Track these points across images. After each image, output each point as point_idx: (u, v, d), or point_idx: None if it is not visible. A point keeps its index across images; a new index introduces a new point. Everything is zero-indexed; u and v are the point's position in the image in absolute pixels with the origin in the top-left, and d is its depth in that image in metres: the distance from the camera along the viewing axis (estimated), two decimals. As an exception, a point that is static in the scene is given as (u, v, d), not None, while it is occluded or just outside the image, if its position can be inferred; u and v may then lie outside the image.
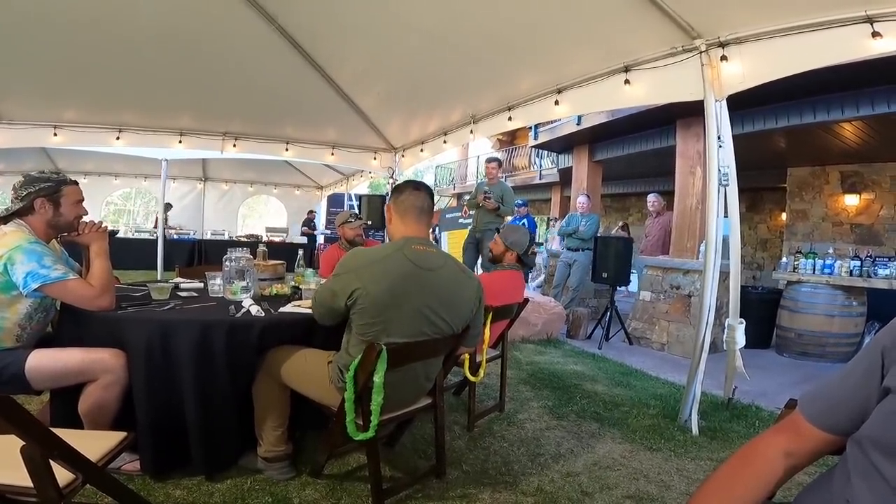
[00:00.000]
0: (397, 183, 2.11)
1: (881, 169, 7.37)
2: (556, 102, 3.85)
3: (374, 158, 6.61)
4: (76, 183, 2.09)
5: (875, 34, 2.23)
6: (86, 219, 2.10)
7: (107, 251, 2.05)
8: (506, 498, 2.07)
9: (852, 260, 5.02)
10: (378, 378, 1.71)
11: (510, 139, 17.46)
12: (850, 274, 4.89)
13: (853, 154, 7.22)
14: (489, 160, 6.17)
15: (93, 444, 1.39)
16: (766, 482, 0.84)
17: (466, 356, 2.53)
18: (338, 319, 1.87)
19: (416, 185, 1.99)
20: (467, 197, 6.22)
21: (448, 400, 3.07)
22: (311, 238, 11.36)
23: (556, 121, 8.66)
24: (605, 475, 2.30)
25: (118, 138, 5.62)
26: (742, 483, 0.84)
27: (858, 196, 7.57)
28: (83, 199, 2.09)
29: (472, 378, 2.57)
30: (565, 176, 11.34)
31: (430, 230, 2.04)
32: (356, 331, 1.81)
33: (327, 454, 2.07)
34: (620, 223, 10.11)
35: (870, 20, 2.23)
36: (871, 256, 5.15)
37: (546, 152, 12.67)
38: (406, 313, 1.79)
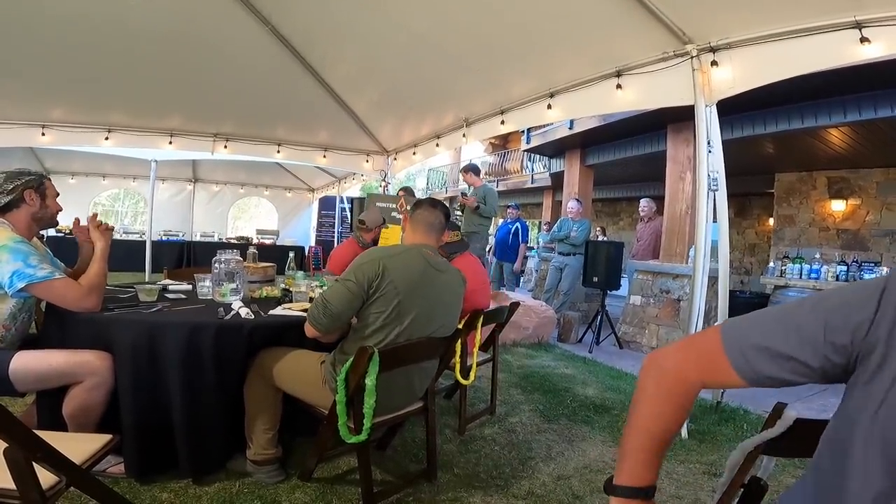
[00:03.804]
0: (418, 199, 2.32)
1: (868, 175, 7.48)
2: (549, 106, 3.87)
3: (367, 161, 6.61)
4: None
5: (864, 40, 2.27)
6: (94, 213, 2.15)
7: (107, 254, 2.06)
8: (497, 501, 2.06)
9: (839, 265, 5.09)
10: (370, 381, 1.70)
11: (503, 143, 17.51)
12: (837, 279, 4.95)
13: (840, 160, 7.31)
14: (462, 168, 6.11)
15: (77, 446, 1.37)
16: (685, 416, 0.88)
17: (458, 360, 2.53)
18: (344, 323, 1.88)
19: (432, 203, 2.15)
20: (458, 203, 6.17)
21: (439, 403, 3.06)
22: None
23: (548, 125, 8.71)
24: (595, 478, 2.30)
25: (107, 138, 5.57)
26: (673, 425, 0.87)
27: (845, 202, 7.67)
28: (58, 194, 2.12)
29: (462, 381, 2.56)
30: (557, 180, 11.40)
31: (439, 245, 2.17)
32: (365, 322, 1.83)
33: (317, 457, 2.05)
34: (599, 228, 10.37)
35: (858, 26, 2.27)
36: (857, 261, 5.23)
37: (538, 156, 12.73)
38: (418, 305, 1.87)
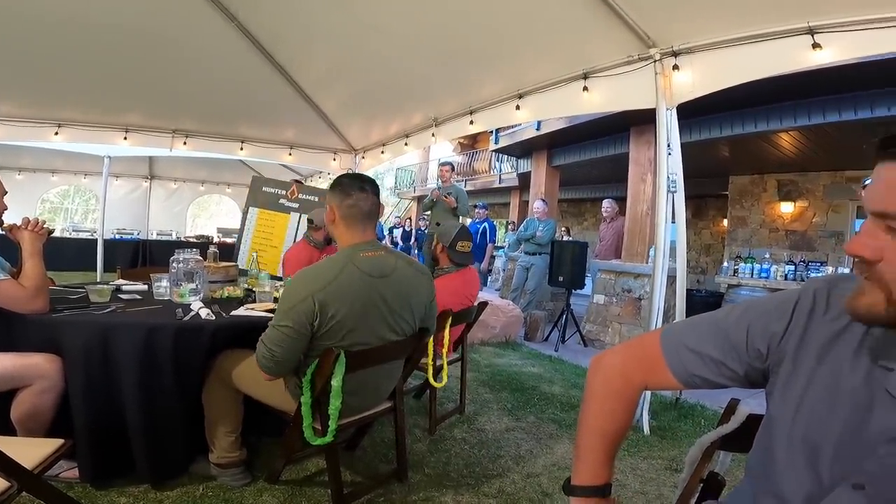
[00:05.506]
0: (339, 177, 1.91)
1: (815, 178, 7.86)
2: (517, 107, 3.90)
3: (334, 159, 6.50)
4: None
5: (815, 45, 2.34)
6: (27, 216, 1.97)
7: (40, 251, 1.93)
8: (468, 500, 2.07)
9: (787, 265, 5.32)
10: (336, 382, 1.67)
11: (471, 143, 17.59)
12: (786, 278, 5.18)
13: (790, 163, 7.67)
14: (443, 164, 6.22)
15: (28, 451, 1.30)
16: (632, 415, 0.93)
17: (430, 361, 2.51)
18: (295, 362, 1.71)
19: (361, 186, 1.81)
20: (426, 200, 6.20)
21: (408, 403, 3.04)
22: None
23: (516, 126, 8.80)
24: (564, 475, 2.33)
25: (57, 133, 5.29)
26: (623, 424, 0.92)
27: (793, 204, 8.05)
28: (6, 193, 1.98)
29: (435, 384, 2.56)
30: (524, 180, 11.53)
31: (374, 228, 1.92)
32: (320, 344, 1.71)
33: (285, 459, 2.01)
34: (564, 228, 10.58)
35: (811, 31, 2.34)
36: (804, 261, 5.48)
37: (506, 157, 12.84)
38: (370, 324, 1.76)
